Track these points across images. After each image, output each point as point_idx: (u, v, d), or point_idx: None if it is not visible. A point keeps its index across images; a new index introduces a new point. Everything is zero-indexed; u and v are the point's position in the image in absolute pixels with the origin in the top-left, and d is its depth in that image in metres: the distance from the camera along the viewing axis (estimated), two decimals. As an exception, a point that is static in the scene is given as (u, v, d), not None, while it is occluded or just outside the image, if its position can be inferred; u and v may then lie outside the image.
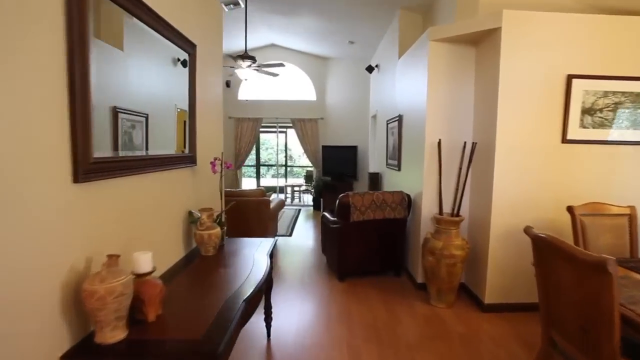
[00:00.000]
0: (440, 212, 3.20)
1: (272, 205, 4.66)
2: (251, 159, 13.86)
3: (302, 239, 5.58)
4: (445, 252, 2.93)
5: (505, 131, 2.84)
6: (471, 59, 3.29)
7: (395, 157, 4.61)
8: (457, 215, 3.12)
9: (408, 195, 3.70)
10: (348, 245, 3.65)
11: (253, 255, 2.18)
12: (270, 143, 15.08)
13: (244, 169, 16.13)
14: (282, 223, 6.51)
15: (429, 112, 3.33)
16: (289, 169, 14.28)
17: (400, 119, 4.35)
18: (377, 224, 3.66)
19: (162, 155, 1.86)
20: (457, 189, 3.22)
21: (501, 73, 2.81)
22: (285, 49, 8.04)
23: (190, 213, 2.24)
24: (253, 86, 8.41)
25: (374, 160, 6.40)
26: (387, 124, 5.10)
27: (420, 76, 3.57)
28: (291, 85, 8.44)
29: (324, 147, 8.07)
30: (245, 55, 5.28)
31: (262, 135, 12.54)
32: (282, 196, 9.76)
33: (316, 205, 8.11)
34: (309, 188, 9.14)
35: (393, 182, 4.83)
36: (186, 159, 2.20)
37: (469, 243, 3.05)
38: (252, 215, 4.42)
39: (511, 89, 2.82)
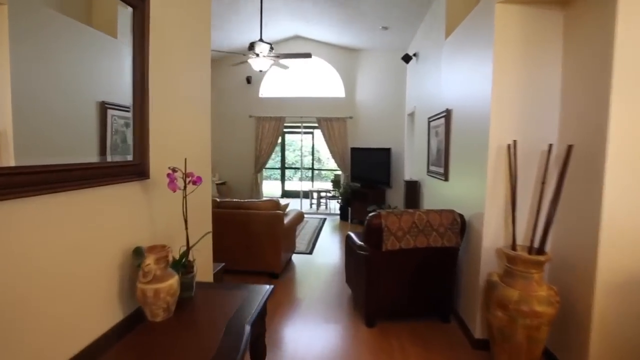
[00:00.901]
0: (513, 245, 2.25)
1: (287, 220, 3.86)
2: (277, 160, 13.29)
3: (325, 257, 4.75)
4: (523, 308, 1.99)
5: (622, 131, 1.86)
6: (557, 28, 2.32)
7: (440, 164, 3.67)
8: (542, 251, 2.16)
9: (461, 216, 2.77)
10: (379, 279, 2.78)
11: (226, 323, 1.37)
12: (297, 144, 14.40)
13: (268, 172, 15.56)
14: (303, 236, 5.71)
15: (494, 104, 2.39)
16: (316, 172, 13.54)
17: (447, 115, 3.41)
18: (419, 254, 2.76)
19: (65, 165, 1.09)
20: (538, 212, 2.25)
21: (618, 46, 1.83)
22: (310, 40, 7.26)
23: (136, 251, 1.47)
24: (275, 82, 7.69)
25: (411, 165, 5.46)
26: (429, 122, 4.17)
27: (479, 56, 2.64)
28: (317, 81, 7.65)
29: (353, 149, 7.20)
30: (258, 43, 4.51)
31: (287, 136, 11.91)
32: (306, 202, 8.98)
33: (343, 215, 7.25)
34: (336, 194, 8.30)
35: (437, 194, 3.89)
36: (126, 169, 1.41)
37: (558, 294, 2.08)
38: (261, 232, 3.65)
39: (635, 70, 1.84)
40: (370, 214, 2.81)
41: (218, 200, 3.78)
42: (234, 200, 3.75)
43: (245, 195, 7.75)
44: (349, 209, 7.01)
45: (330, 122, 7.45)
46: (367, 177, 6.85)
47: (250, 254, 3.72)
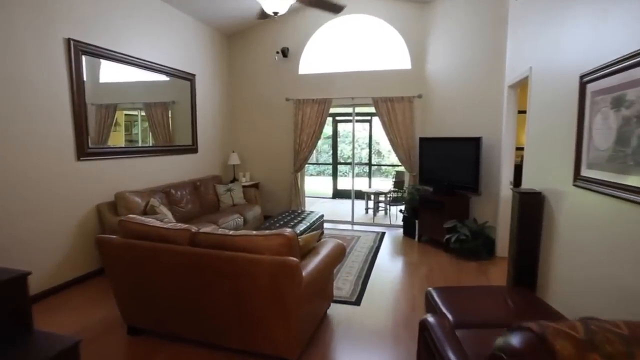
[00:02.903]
0: None
1: (312, 266, 2.15)
2: (330, 154, 11.61)
3: (382, 310, 2.98)
4: None
5: None
6: None
7: (626, 166, 1.69)
8: None
9: None
10: None
11: None
12: (355, 136, 12.53)
13: (322, 167, 13.67)
14: (350, 266, 3.99)
15: None
16: (376, 167, 11.63)
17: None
18: None
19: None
20: None
21: None
22: (364, -8, 5.44)
23: None
24: (319, 54, 5.97)
25: (530, 167, 3.39)
26: (584, 85, 2.16)
27: None
28: (374, 50, 5.78)
29: (422, 140, 5.25)
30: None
31: (341, 126, 10.17)
32: (360, 205, 7.20)
33: (408, 229, 5.36)
34: (399, 195, 6.41)
35: (614, 231, 1.90)
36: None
37: None
38: (260, 294, 2.00)
39: None
40: (519, 329, 0.99)
41: (193, 230, 2.21)
42: (216, 232, 2.14)
43: (283, 200, 6.22)
44: (416, 221, 5.11)
45: (391, 103, 5.56)
46: (442, 179, 4.87)
47: (245, 326, 2.11)
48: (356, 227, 5.94)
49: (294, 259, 1.92)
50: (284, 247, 1.99)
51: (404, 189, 6.35)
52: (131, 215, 2.39)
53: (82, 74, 3.31)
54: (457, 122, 4.95)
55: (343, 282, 3.52)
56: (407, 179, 5.95)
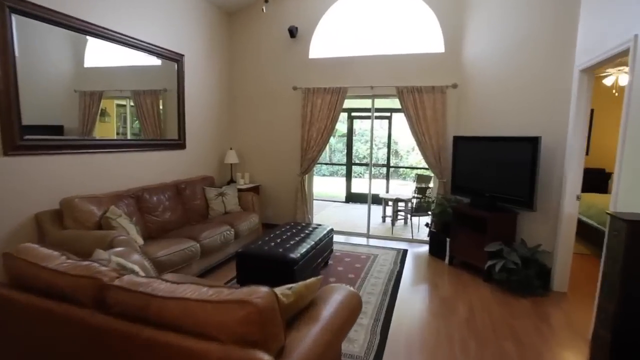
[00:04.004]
0: None
1: (303, 350, 1.24)
2: (345, 153, 10.66)
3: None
4: None
5: None
6: None
7: None
8: None
9: None
10: None
11: None
12: (369, 134, 11.52)
13: (335, 168, 12.57)
14: (365, 304, 3.05)
15: None
16: (393, 169, 10.60)
17: None
18: None
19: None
20: None
21: None
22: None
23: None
24: (333, 36, 5.05)
25: (630, 180, 2.37)
26: None
27: None
28: (398, 29, 4.82)
29: (457, 139, 4.26)
30: None
31: (357, 123, 9.21)
32: (376, 210, 6.25)
33: (436, 247, 4.39)
34: (423, 203, 5.44)
35: None
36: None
37: None
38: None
39: None
40: None
41: (105, 280, 1.31)
42: (138, 288, 1.25)
43: (286, 207, 5.33)
44: (447, 240, 4.14)
45: (419, 94, 4.59)
46: (482, 189, 3.89)
47: None
48: (372, 242, 5.00)
49: (264, 357, 1.01)
50: (251, 325, 1.08)
51: (429, 196, 5.39)
52: (25, 246, 1.53)
53: (9, 37, 2.47)
54: (503, 119, 3.94)
55: (355, 329, 2.60)
56: (434, 185, 4.97)
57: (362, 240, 5.05)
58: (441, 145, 4.58)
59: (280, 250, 3.01)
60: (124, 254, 2.10)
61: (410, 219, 5.68)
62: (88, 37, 3.16)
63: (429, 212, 5.56)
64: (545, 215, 3.56)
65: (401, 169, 11.22)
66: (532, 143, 3.40)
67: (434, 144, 4.61)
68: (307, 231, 3.65)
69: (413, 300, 3.18)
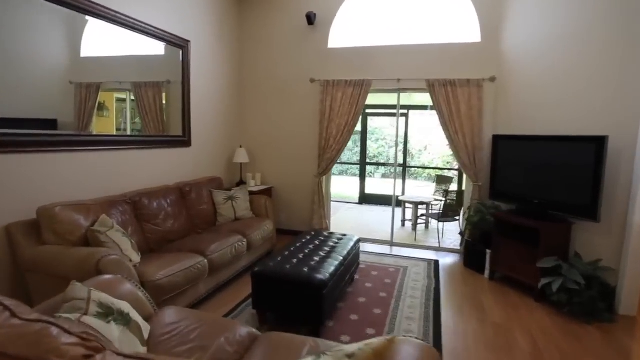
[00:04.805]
0: None
1: None
2: (356, 151, 10.16)
3: None
4: None
5: None
6: None
7: None
8: None
9: None
10: None
11: None
12: (382, 132, 11.03)
13: (344, 166, 12.02)
14: (407, 330, 2.56)
15: None
16: (408, 169, 10.11)
17: None
18: None
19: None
20: None
21: None
22: None
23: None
24: (354, 22, 4.55)
25: None
26: None
27: None
28: (428, 16, 4.32)
29: (498, 138, 3.77)
30: None
31: (370, 120, 8.69)
32: (384, 212, 5.74)
33: (473, 259, 3.89)
34: (453, 205, 4.96)
35: None
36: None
37: None
38: None
39: None
40: None
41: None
42: None
43: (301, 211, 4.85)
44: (487, 251, 3.65)
45: (452, 88, 4.10)
46: (531, 196, 3.39)
47: None
48: (396, 250, 4.52)
49: None
50: None
51: (451, 199, 4.91)
52: None
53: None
54: (554, 115, 3.43)
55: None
56: (467, 189, 4.49)
57: (385, 249, 4.56)
58: (476, 144, 4.09)
59: (305, 269, 2.52)
60: (111, 285, 1.62)
61: (439, 226, 5.18)
62: (87, 18, 2.71)
63: (456, 218, 5.10)
64: (607, 226, 3.06)
65: (412, 169, 10.74)
66: (597, 143, 2.90)
67: (469, 143, 4.11)
68: (331, 243, 3.17)
69: (461, 328, 2.69)
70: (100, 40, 2.90)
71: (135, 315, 1.49)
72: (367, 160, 9.71)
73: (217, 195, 3.87)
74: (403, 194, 7.75)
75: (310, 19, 4.43)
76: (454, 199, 5.00)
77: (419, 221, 5.80)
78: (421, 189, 9.27)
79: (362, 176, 8.23)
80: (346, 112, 4.45)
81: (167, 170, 3.68)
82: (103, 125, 3.02)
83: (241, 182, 4.76)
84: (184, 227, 3.33)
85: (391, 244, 4.76)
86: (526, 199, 3.42)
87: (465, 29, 4.14)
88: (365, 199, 8.07)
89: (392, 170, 10.54)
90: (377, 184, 10.05)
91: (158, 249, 2.94)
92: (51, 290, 2.13)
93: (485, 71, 4.03)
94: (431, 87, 4.16)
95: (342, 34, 4.57)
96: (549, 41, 3.47)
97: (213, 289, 2.97)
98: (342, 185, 9.48)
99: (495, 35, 4.00)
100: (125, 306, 1.47)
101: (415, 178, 11.06)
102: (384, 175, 11.36)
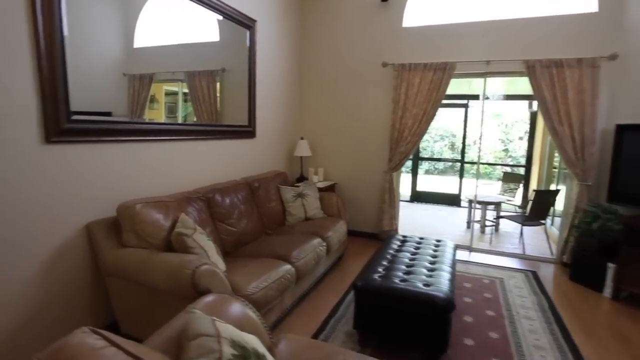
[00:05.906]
0: None
1: None
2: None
3: None
4: None
5: None
6: None
7: None
8: None
9: None
10: None
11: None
12: (442, 127, 10.31)
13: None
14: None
15: None
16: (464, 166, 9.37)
17: None
18: None
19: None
20: None
21: None
22: None
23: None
24: (438, -4, 3.99)
25: None
26: None
27: None
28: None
29: (623, 127, 3.12)
30: None
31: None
32: (446, 213, 5.14)
33: (584, 273, 3.27)
34: (545, 206, 4.32)
35: None
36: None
37: None
38: None
39: None
40: None
41: None
42: None
43: (368, 210, 4.38)
44: (610, 265, 3.03)
45: (558, 69, 3.47)
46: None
47: None
48: (475, 257, 3.97)
49: None
50: None
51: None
52: (66, 343, 0.66)
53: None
54: None
55: None
56: (567, 188, 3.86)
57: (464, 254, 4.02)
58: (586, 136, 3.45)
59: (420, 284, 2.05)
60: (222, 308, 1.21)
61: (521, 229, 4.56)
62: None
63: (542, 222, 4.47)
64: None
65: (467, 166, 9.99)
66: None
67: (576, 134, 3.48)
68: (430, 251, 2.67)
69: (608, 363, 2.13)
70: (153, 28, 2.56)
71: (269, 357, 1.07)
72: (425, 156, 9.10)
73: (285, 191, 3.46)
74: (460, 192, 7.14)
75: (385, -7, 3.92)
76: (545, 200, 4.36)
77: (488, 223, 5.20)
78: (484, 187, 8.56)
79: (414, 172, 7.65)
80: (424, 99, 3.92)
81: (232, 163, 3.30)
82: (154, 117, 2.69)
83: (302, 178, 4.34)
84: (256, 227, 2.93)
85: (470, 249, 4.20)
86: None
87: (573, -1, 3.50)
88: (418, 196, 7.49)
89: (437, 166, 9.84)
90: (430, 181, 9.43)
91: (231, 253, 2.56)
92: (135, 298, 1.81)
93: (603, 48, 3.38)
94: (531, 68, 3.55)
95: (420, 10, 4.03)
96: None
97: (297, 301, 2.55)
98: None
99: (617, 3, 3.34)
100: (256, 342, 1.05)
101: (470, 176, 10.30)
102: (427, 172, 10.72)
